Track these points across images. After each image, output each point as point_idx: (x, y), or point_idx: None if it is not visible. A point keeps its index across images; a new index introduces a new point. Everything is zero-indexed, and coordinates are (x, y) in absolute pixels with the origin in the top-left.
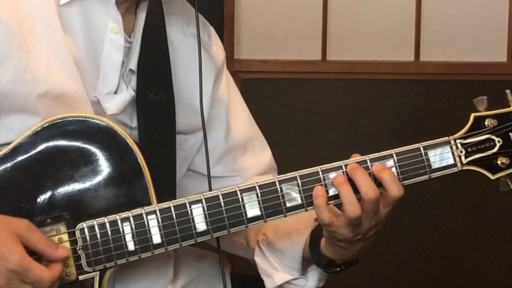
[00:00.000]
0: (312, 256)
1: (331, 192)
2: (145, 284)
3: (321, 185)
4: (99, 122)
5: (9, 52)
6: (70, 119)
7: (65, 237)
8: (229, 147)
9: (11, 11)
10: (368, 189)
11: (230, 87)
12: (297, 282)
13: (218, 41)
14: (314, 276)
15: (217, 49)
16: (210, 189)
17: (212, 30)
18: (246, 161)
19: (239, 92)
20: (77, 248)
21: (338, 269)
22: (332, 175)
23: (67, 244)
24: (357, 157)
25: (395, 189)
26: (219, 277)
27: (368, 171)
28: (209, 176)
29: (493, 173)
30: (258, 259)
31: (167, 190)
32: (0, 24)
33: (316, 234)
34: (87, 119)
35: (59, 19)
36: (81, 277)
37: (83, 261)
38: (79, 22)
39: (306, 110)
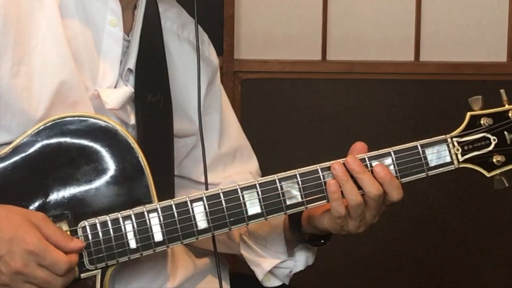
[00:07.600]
0: (295, 235)
1: None
2: (143, 282)
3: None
4: (100, 121)
5: (7, 45)
6: (71, 118)
7: None
8: (221, 155)
9: (10, 4)
10: (371, 187)
11: (223, 95)
12: (286, 265)
13: (212, 48)
14: (301, 255)
15: (210, 56)
16: (207, 188)
17: (205, 36)
18: (234, 169)
19: (228, 100)
20: None
21: (323, 241)
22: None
23: None
24: (359, 144)
25: (395, 194)
26: (216, 276)
27: (370, 168)
28: (205, 173)
29: (489, 171)
30: (244, 252)
31: (165, 189)
32: None
33: (293, 214)
34: (88, 118)
35: (59, 11)
36: (83, 275)
37: (85, 259)
38: (77, 14)
39: (306, 110)
